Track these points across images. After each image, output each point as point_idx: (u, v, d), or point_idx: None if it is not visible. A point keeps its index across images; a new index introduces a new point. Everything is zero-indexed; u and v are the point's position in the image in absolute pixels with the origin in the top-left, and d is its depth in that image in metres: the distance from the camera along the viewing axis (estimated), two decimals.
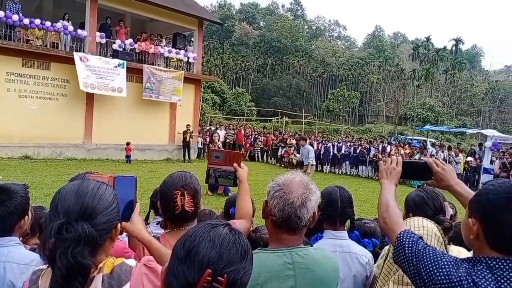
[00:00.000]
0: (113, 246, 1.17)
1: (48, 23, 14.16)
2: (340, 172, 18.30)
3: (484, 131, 20.50)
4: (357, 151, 17.90)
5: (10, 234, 1.65)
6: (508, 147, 19.59)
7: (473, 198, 1.24)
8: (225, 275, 0.90)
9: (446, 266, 1.13)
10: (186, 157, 17.21)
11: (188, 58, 18.27)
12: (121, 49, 15.85)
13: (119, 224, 1.16)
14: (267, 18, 75.98)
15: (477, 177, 16.62)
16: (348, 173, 18.14)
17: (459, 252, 1.95)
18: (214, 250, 0.92)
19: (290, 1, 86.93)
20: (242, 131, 21.49)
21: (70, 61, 14.10)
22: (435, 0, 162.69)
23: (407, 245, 1.24)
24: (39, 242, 1.75)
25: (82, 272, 1.00)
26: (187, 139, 17.17)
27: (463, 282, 1.09)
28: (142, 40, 16.76)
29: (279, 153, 19.44)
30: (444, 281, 1.11)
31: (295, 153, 18.25)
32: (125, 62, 15.41)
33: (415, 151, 18.05)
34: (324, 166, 18.56)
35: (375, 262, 2.11)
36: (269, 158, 20.71)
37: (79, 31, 14.88)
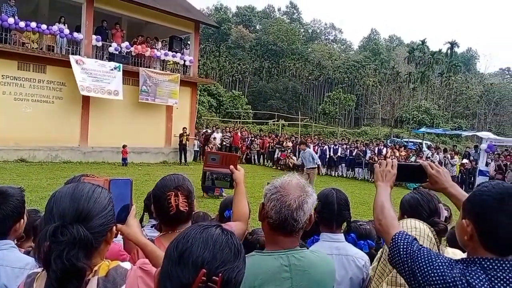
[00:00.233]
0: (108, 249, 1.17)
1: (44, 26, 14.12)
2: (336, 175, 18.33)
3: (479, 134, 20.61)
4: (353, 154, 17.95)
5: (5, 238, 1.64)
6: (503, 149, 19.72)
7: (467, 199, 1.25)
8: (220, 274, 0.90)
9: (441, 267, 1.14)
10: (183, 160, 17.19)
11: (185, 61, 18.27)
12: (117, 52, 15.82)
13: (114, 227, 1.16)
14: (263, 21, 76.20)
15: (472, 179, 16.70)
16: (344, 176, 18.17)
17: (454, 254, 1.96)
18: (207, 251, 0.92)
19: (286, 4, 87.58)
20: (239, 134, 21.50)
21: (66, 64, 14.07)
22: (430, 3, 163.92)
23: (402, 246, 1.25)
24: (34, 245, 1.75)
25: (77, 275, 1.00)
26: (184, 142, 17.16)
27: (457, 282, 1.10)
28: (139, 43, 16.74)
29: (275, 156, 19.46)
30: (439, 282, 1.12)
31: (291, 155, 18.30)
32: (121, 65, 15.38)
33: (410, 154, 18.11)
34: (321, 169, 18.56)
35: (371, 264, 2.12)
36: (265, 161, 20.72)
37: (75, 34, 14.84)
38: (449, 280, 1.11)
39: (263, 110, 49.75)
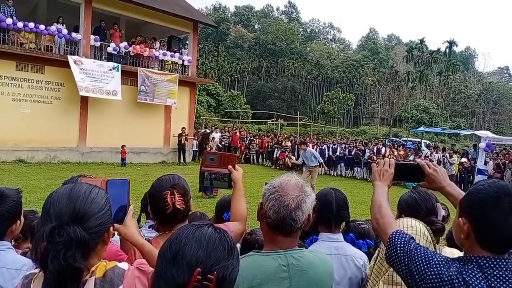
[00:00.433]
0: (105, 250, 1.17)
1: (42, 27, 14.09)
2: (335, 174, 18.33)
3: (478, 132, 20.66)
4: (352, 153, 17.96)
5: (1, 239, 1.64)
6: (502, 148, 19.77)
7: (464, 198, 1.25)
8: (215, 272, 0.91)
9: (437, 266, 1.15)
10: (181, 160, 17.18)
11: (183, 61, 18.25)
12: (115, 52, 15.81)
13: (111, 227, 1.16)
14: (262, 21, 76.16)
15: (471, 178, 16.72)
16: (343, 175, 18.18)
17: (452, 253, 1.96)
18: (201, 250, 0.93)
19: (284, 3, 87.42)
20: (238, 134, 21.49)
21: (64, 64, 14.05)
22: (428, 2, 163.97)
23: (399, 245, 1.25)
24: (31, 246, 1.74)
25: (74, 276, 1.00)
26: (182, 142, 17.15)
27: (454, 281, 1.10)
28: (137, 43, 16.72)
29: (274, 156, 19.46)
30: (435, 280, 1.12)
31: (290, 155, 18.29)
32: (119, 65, 15.36)
33: (409, 153, 18.13)
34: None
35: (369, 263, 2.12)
36: (264, 161, 20.72)
37: (73, 34, 14.82)
38: (446, 279, 1.11)
39: (262, 109, 49.74)
